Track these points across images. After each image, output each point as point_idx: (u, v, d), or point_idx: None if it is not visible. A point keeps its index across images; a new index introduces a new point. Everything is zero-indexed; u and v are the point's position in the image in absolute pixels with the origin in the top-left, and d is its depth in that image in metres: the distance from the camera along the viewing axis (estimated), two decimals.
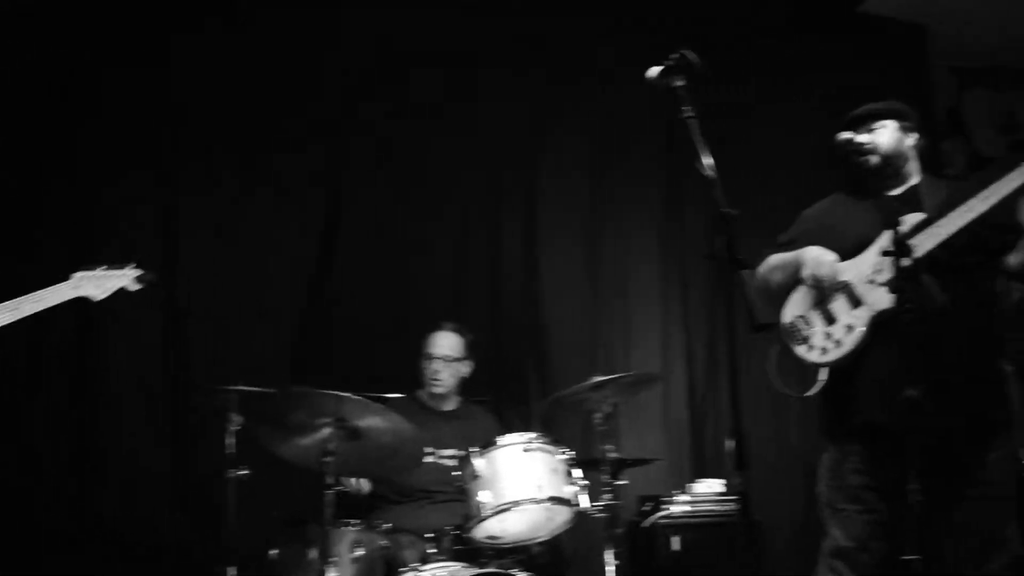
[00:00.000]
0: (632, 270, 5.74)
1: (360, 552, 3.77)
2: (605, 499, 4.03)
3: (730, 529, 4.89)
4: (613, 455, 4.18)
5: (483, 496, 3.70)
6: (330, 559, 3.58)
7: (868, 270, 3.14)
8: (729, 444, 2.39)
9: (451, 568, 3.64)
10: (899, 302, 2.70)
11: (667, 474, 5.38)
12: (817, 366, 3.20)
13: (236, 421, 3.87)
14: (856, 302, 3.15)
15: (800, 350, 3.23)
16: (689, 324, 5.73)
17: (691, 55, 2.55)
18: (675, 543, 4.83)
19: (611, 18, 5.85)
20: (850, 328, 3.14)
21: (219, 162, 5.22)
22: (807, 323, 3.25)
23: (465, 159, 5.60)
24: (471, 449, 3.83)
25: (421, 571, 3.64)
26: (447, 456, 4.34)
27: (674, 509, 4.93)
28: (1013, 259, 3.09)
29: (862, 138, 3.31)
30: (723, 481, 5.16)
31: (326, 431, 3.62)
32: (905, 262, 2.75)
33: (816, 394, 3.21)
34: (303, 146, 5.35)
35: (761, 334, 2.31)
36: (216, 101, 5.19)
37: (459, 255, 5.53)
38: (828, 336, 3.18)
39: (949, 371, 2.98)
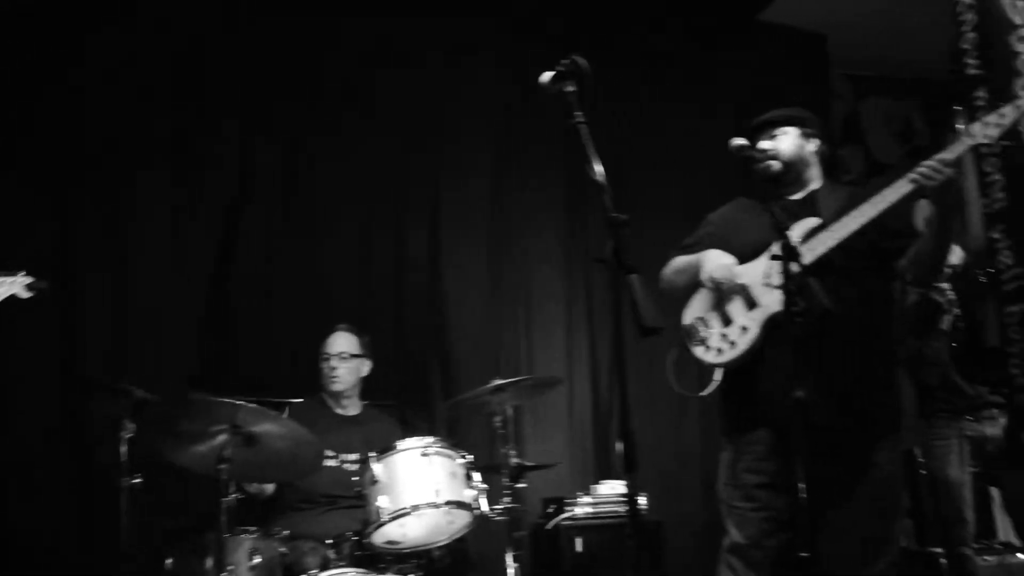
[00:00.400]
0: (536, 272, 5.77)
1: (258, 560, 3.70)
2: (505, 502, 4.05)
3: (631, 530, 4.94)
4: (513, 458, 4.19)
5: (381, 501, 3.69)
6: (226, 567, 3.52)
7: (764, 273, 3.19)
8: (619, 446, 2.40)
9: (349, 574, 3.60)
10: (787, 306, 2.74)
11: (572, 476, 5.43)
12: (713, 366, 3.25)
13: (130, 428, 3.79)
14: (752, 304, 3.19)
15: (698, 351, 3.26)
16: (593, 326, 5.79)
17: (581, 61, 2.56)
18: (578, 544, 4.86)
19: (510, 20, 5.88)
20: (744, 329, 3.18)
21: (116, 165, 5.09)
22: (705, 324, 3.29)
23: (368, 162, 5.57)
24: (370, 454, 3.81)
25: None
26: (350, 461, 4.34)
27: (577, 511, 4.96)
28: (905, 263, 3.17)
29: (764, 144, 3.35)
30: (626, 482, 5.19)
31: (221, 438, 3.56)
32: (793, 267, 2.79)
33: (714, 394, 3.26)
34: (206, 148, 5.27)
35: (648, 338, 2.32)
36: (115, 103, 5.08)
37: (363, 259, 5.50)
38: (724, 337, 3.23)
39: (838, 373, 3.04)
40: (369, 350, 4.62)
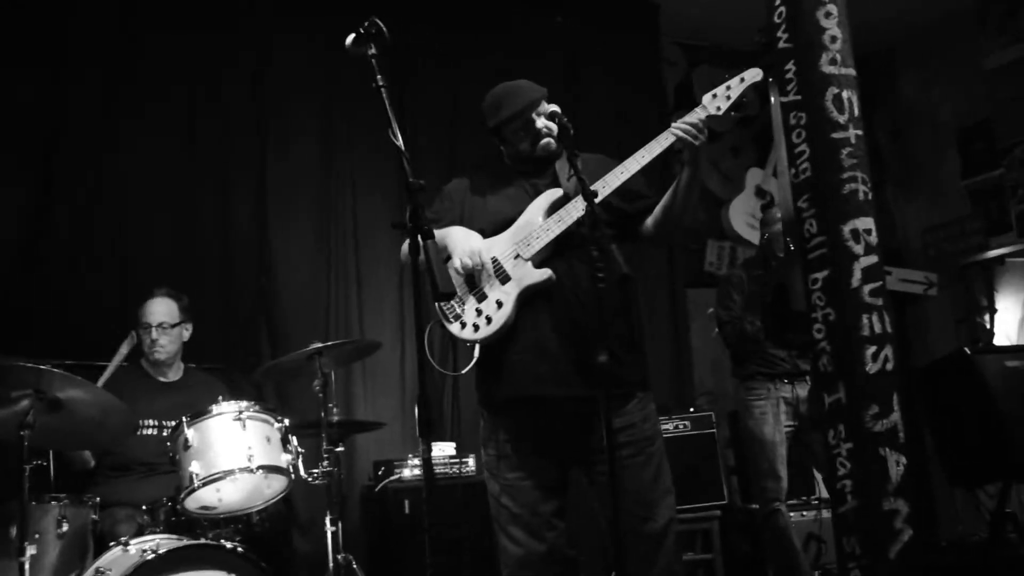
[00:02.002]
0: (367, 237, 5.70)
1: (66, 527, 3.60)
2: (324, 466, 4.03)
3: (461, 490, 5.00)
4: (334, 421, 4.18)
5: (194, 466, 3.64)
6: (31, 536, 3.42)
7: (515, 245, 3.17)
8: (417, 410, 2.41)
9: (159, 539, 3.53)
10: (594, 269, 2.73)
11: (403, 439, 5.44)
12: (470, 343, 3.19)
13: None
14: (505, 278, 3.15)
15: (453, 328, 3.19)
16: (424, 289, 5.77)
17: (380, 24, 2.54)
18: (406, 507, 4.88)
19: None
20: (500, 304, 3.14)
21: None
22: (460, 300, 3.21)
23: (196, 122, 5.42)
24: (183, 418, 3.74)
25: (130, 544, 3.52)
26: (171, 428, 4.23)
27: (406, 473, 4.97)
28: (649, 224, 3.25)
29: (541, 123, 3.26)
30: (454, 444, 5.25)
31: (24, 403, 3.43)
32: (598, 230, 2.82)
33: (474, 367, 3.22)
34: (24, 97, 5.04)
35: (444, 301, 2.33)
36: None
37: (187, 218, 5.35)
38: (479, 313, 3.16)
39: (593, 339, 2.93)
40: (189, 313, 4.49)
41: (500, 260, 3.16)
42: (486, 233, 3.23)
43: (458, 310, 3.19)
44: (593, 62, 6.43)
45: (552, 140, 3.24)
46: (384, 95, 2.52)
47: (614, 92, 6.39)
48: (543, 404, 3.13)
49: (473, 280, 3.19)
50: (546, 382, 3.09)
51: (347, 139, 5.70)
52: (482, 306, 3.16)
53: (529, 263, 3.12)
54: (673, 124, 3.08)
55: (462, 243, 3.20)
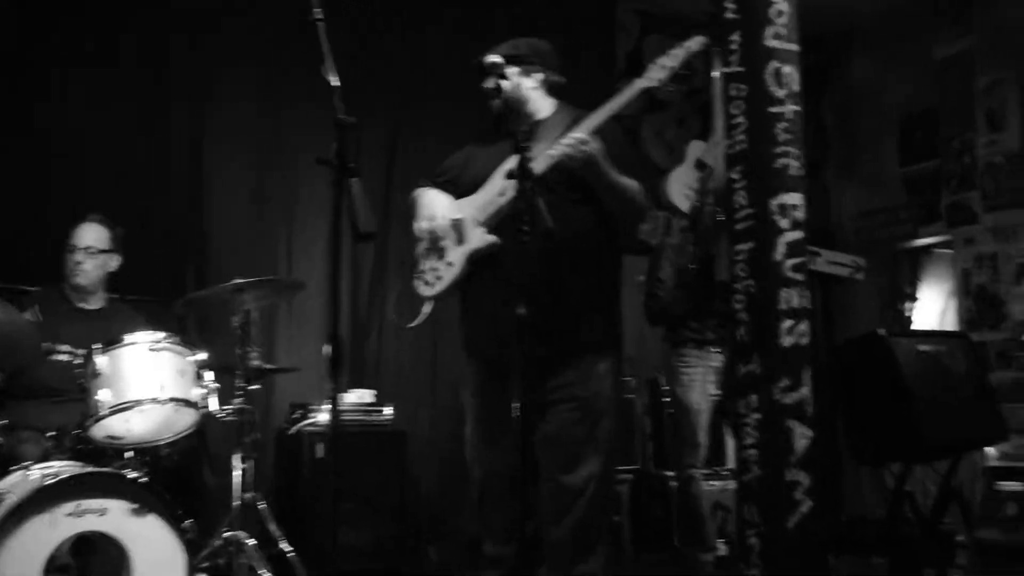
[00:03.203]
0: (306, 177, 5.62)
1: None
2: (237, 404, 4.00)
3: (375, 439, 5.00)
4: (254, 361, 4.14)
5: (102, 395, 3.59)
6: None
7: (477, 209, 3.30)
8: (326, 349, 2.39)
9: (62, 465, 3.48)
10: (517, 224, 2.77)
11: (323, 384, 5.40)
12: (423, 298, 3.36)
13: None
14: (461, 240, 3.30)
15: (416, 282, 3.37)
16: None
17: None
18: (319, 450, 4.87)
19: None
20: (450, 264, 3.30)
21: None
22: (426, 257, 3.38)
23: (134, 54, 5.33)
24: (94, 346, 3.68)
25: (32, 468, 3.46)
26: (83, 355, 4.16)
27: (321, 417, 4.95)
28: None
29: (488, 84, 3.38)
30: (375, 392, 5.25)
31: None
32: (526, 185, 2.83)
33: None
34: None
35: (365, 243, 2.33)
36: None
37: (123, 148, 5.25)
38: (435, 271, 3.33)
39: (547, 294, 3.09)
40: (119, 244, 4.40)
41: (463, 222, 3.30)
42: (469, 191, 3.36)
43: (422, 266, 3.36)
44: (548, 27, 6.36)
45: (498, 102, 3.35)
46: (320, 29, 2.48)
47: (566, 58, 6.31)
48: (486, 363, 3.33)
49: (438, 240, 3.32)
50: (487, 341, 3.29)
51: (287, 73, 5.60)
52: (439, 264, 3.32)
53: (482, 228, 3.25)
54: (558, 143, 3.13)
55: (425, 206, 3.38)
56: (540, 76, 3.48)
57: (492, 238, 3.23)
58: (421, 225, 3.35)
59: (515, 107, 3.41)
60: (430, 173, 3.60)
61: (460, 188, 3.44)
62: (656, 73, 3.17)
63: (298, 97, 5.61)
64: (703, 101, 7.23)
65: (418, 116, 5.89)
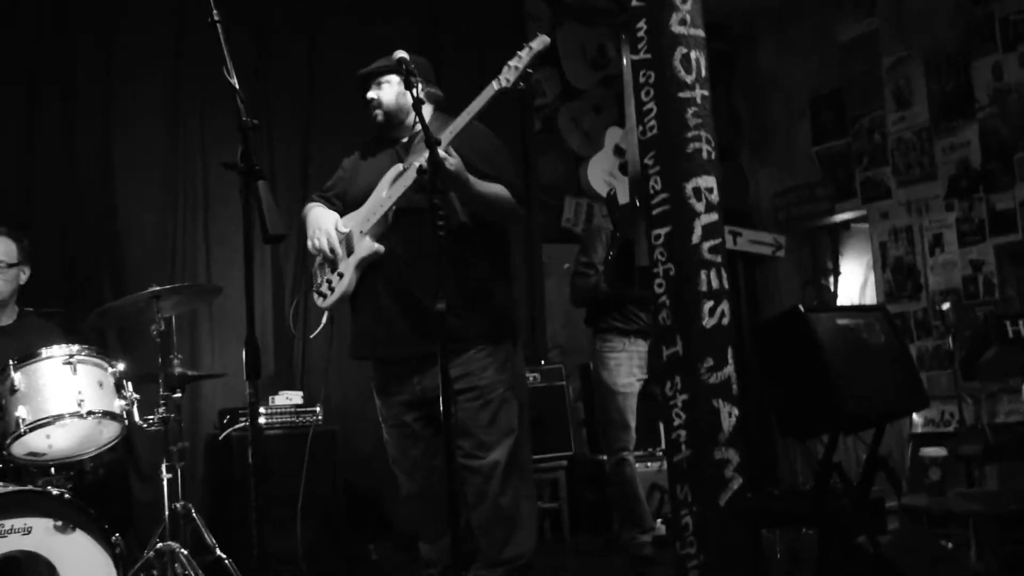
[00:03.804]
0: (217, 181, 5.55)
1: None
2: (161, 413, 3.95)
3: (305, 440, 4.95)
4: (177, 368, 4.09)
5: (21, 411, 3.53)
6: None
7: (361, 220, 3.44)
8: (244, 355, 2.38)
9: None
10: (433, 216, 2.80)
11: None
12: (321, 309, 3.54)
13: None
14: (350, 251, 3.46)
15: (313, 295, 3.56)
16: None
17: None
18: (250, 455, 4.80)
19: None
20: (341, 275, 3.45)
21: None
22: (321, 271, 3.55)
23: (37, 53, 5.19)
24: (10, 362, 3.61)
25: None
26: None
27: None
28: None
29: (371, 94, 3.54)
30: (302, 393, 5.22)
31: None
32: (438, 181, 2.86)
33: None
34: None
35: (275, 244, 2.32)
36: None
37: (24, 154, 5.13)
38: (328, 283, 3.50)
39: (424, 295, 3.26)
40: (28, 255, 4.28)
41: (351, 234, 3.46)
42: (357, 203, 3.50)
43: (318, 279, 3.55)
44: (454, 20, 6.37)
45: (380, 113, 3.53)
46: (219, 30, 2.46)
47: (476, 48, 6.31)
48: (384, 363, 3.50)
49: (328, 254, 3.48)
50: (382, 343, 3.45)
51: (198, 77, 5.52)
52: (332, 277, 3.48)
53: (368, 237, 3.40)
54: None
55: (312, 224, 3.57)
56: (423, 87, 3.49)
57: (377, 246, 3.38)
58: (312, 243, 3.51)
59: (397, 117, 3.54)
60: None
61: (347, 199, 3.58)
62: (508, 74, 3.25)
63: (205, 101, 5.57)
64: (620, 88, 7.29)
65: (329, 115, 5.82)
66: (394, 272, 3.37)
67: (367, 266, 3.42)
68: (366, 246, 3.40)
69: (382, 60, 3.50)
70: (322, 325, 3.55)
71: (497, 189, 3.38)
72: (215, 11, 2.49)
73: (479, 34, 6.35)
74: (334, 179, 3.75)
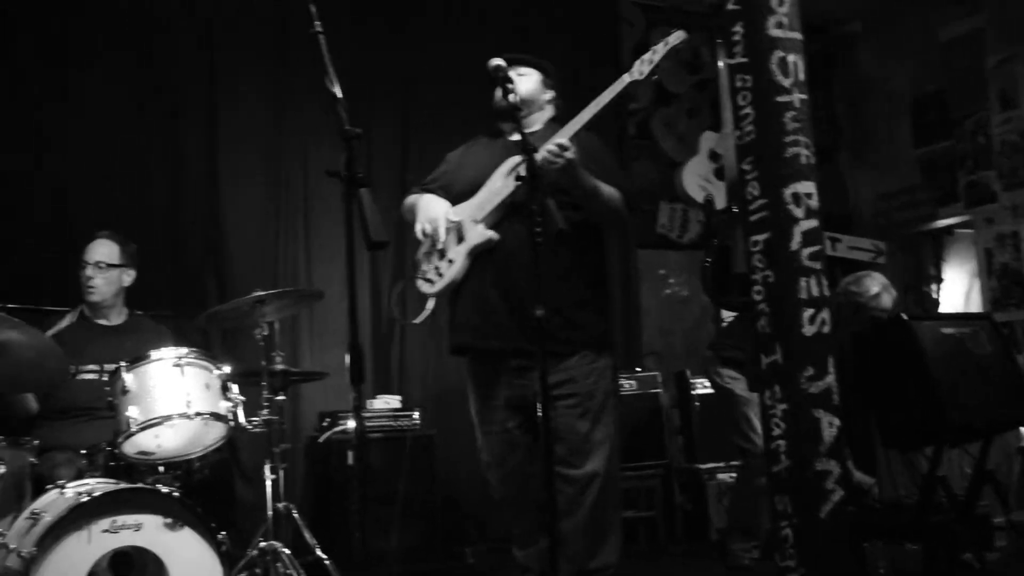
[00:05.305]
0: (317, 187, 5.65)
1: (3, 470, 3.57)
2: (264, 415, 4.04)
3: (404, 443, 5.04)
4: (277, 370, 4.18)
5: (132, 411, 3.64)
6: None
7: (475, 208, 3.43)
8: (347, 358, 2.43)
9: (95, 483, 3.53)
10: (532, 225, 2.82)
11: (350, 391, 5.43)
12: (425, 296, 3.51)
13: None
14: (460, 239, 3.43)
15: (418, 282, 3.53)
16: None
17: None
18: (349, 458, 4.91)
19: None
20: (451, 262, 3.43)
21: None
22: (427, 258, 3.52)
23: (147, 70, 5.37)
24: (121, 364, 3.73)
25: (66, 487, 3.51)
26: (110, 372, 4.21)
27: (350, 425, 4.96)
28: None
29: (508, 79, 3.40)
30: (400, 398, 5.28)
31: None
32: (536, 185, 2.88)
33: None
34: None
35: (378, 251, 2.37)
36: None
37: (137, 166, 5.31)
38: (436, 269, 3.47)
39: (528, 295, 3.15)
40: (133, 259, 4.43)
41: (462, 222, 3.43)
42: (465, 195, 3.49)
43: (424, 266, 3.51)
44: (547, 23, 6.40)
45: (513, 97, 3.37)
46: (321, 41, 2.52)
47: (569, 53, 6.32)
48: (483, 355, 3.45)
49: (438, 241, 3.45)
50: (482, 334, 3.40)
51: (299, 86, 5.63)
52: (440, 264, 3.46)
53: (481, 225, 3.37)
54: (541, 149, 3.18)
55: (423, 210, 3.51)
56: (552, 95, 3.64)
57: (491, 233, 3.36)
58: (422, 226, 3.47)
59: (527, 110, 3.49)
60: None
61: (453, 192, 3.56)
62: (642, 67, 3.30)
63: (307, 107, 5.66)
64: (714, 92, 7.24)
65: (427, 122, 5.91)
66: (503, 264, 3.34)
67: (478, 255, 3.40)
68: (479, 233, 3.38)
69: (526, 55, 3.59)
70: (427, 312, 3.53)
71: (610, 189, 3.40)
72: (317, 22, 2.55)
73: (572, 38, 6.37)
74: (438, 172, 3.73)
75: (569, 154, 3.17)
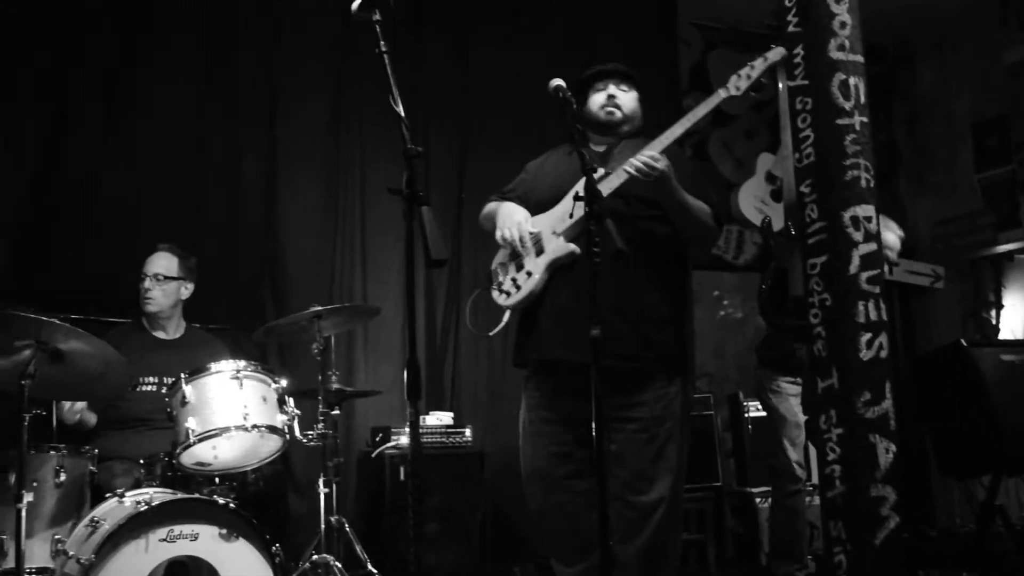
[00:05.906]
0: (374, 203, 5.70)
1: (64, 477, 3.64)
2: (319, 429, 4.08)
3: (456, 460, 5.05)
4: (334, 385, 4.22)
5: (190, 422, 3.69)
6: (29, 484, 3.46)
7: (556, 219, 3.36)
8: (404, 374, 2.45)
9: (153, 492, 3.59)
10: (588, 244, 2.81)
11: (403, 406, 5.46)
12: (502, 308, 3.45)
13: None
14: (540, 250, 3.36)
15: (493, 293, 3.45)
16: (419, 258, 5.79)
17: None
18: (402, 473, 4.93)
19: None
20: (530, 274, 3.36)
21: None
22: (504, 269, 3.47)
23: (202, 87, 5.45)
24: (181, 375, 3.79)
25: (125, 496, 3.58)
26: (170, 385, 4.28)
27: (403, 440, 5.02)
28: None
29: (613, 90, 3.52)
30: (452, 415, 5.30)
31: (26, 353, 3.46)
32: (594, 206, 2.87)
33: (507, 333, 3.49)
34: (30, 59, 5.06)
35: (438, 268, 2.39)
36: None
37: (196, 180, 5.38)
38: (514, 281, 3.40)
39: (620, 312, 3.21)
40: (191, 272, 4.51)
41: (541, 233, 3.37)
42: (544, 205, 3.44)
43: (500, 277, 3.46)
44: (608, 44, 6.42)
45: (618, 112, 3.50)
46: (386, 61, 2.56)
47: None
48: (557, 367, 3.34)
49: (516, 252, 3.41)
50: (559, 346, 3.30)
51: (357, 103, 5.70)
52: (518, 275, 3.40)
53: (561, 238, 3.31)
54: (630, 160, 3.20)
55: (504, 218, 3.43)
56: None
57: (572, 247, 3.28)
58: (505, 233, 3.39)
59: (625, 124, 3.53)
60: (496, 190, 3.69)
61: (531, 202, 3.51)
62: (739, 83, 3.30)
63: (365, 125, 5.74)
64: (771, 114, 7.20)
65: (485, 140, 5.94)
66: (581, 276, 3.20)
67: (559, 267, 3.33)
68: (560, 246, 3.31)
69: (629, 69, 3.60)
70: (503, 323, 3.49)
71: (700, 204, 3.39)
72: (382, 42, 2.58)
73: (632, 58, 6.36)
74: (516, 181, 3.67)
75: (661, 165, 3.17)
